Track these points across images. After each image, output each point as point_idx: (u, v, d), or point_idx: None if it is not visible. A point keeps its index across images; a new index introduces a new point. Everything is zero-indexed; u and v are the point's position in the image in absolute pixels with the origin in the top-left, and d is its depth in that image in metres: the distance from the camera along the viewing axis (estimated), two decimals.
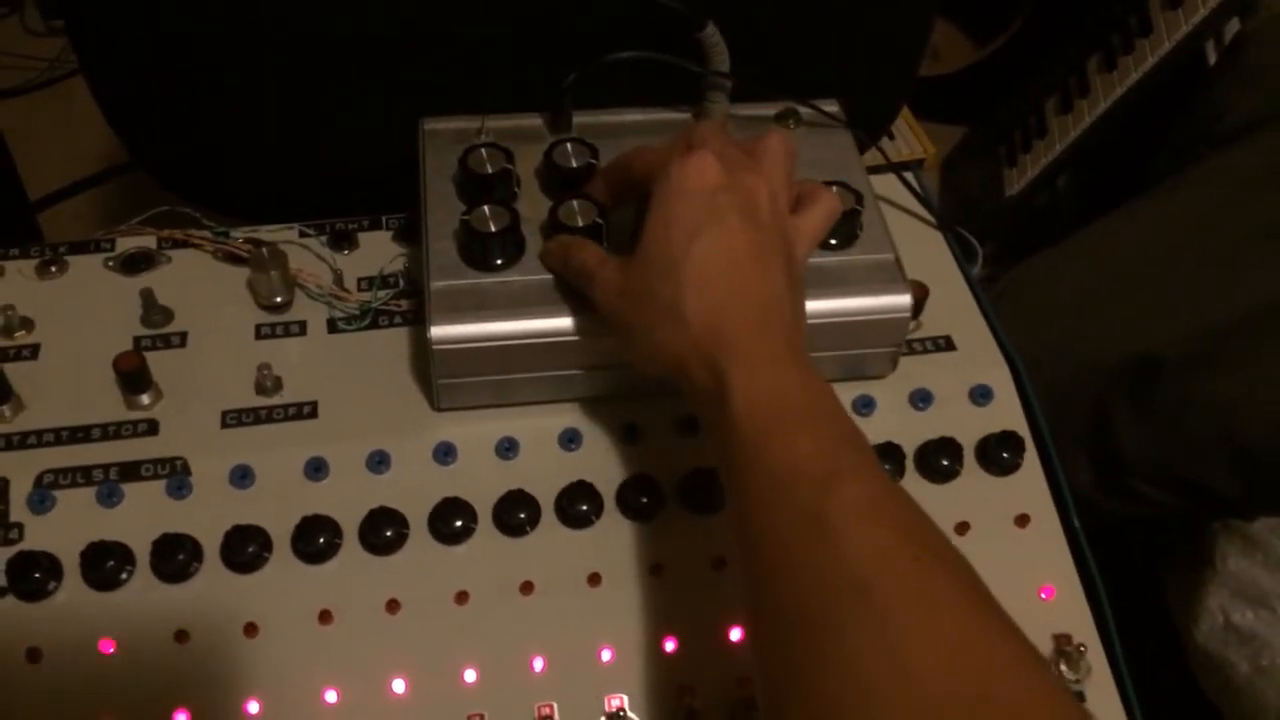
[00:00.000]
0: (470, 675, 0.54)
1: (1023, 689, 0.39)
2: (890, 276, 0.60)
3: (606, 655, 0.55)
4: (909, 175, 0.72)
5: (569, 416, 0.61)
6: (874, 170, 0.68)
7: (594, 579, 0.57)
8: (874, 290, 0.59)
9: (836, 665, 0.40)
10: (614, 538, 0.58)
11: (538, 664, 0.55)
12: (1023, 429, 0.62)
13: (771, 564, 0.45)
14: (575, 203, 0.58)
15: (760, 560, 0.45)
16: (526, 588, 0.56)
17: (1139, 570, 0.89)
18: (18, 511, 0.55)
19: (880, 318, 0.59)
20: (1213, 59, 1.25)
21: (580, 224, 0.58)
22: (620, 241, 0.56)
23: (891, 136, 1.55)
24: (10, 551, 0.54)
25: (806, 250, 0.55)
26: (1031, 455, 0.62)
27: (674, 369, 0.51)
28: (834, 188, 0.60)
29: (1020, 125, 1.51)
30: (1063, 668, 0.57)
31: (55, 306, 0.63)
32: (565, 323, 0.57)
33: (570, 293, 0.57)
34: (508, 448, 0.59)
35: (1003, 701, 0.38)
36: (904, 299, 0.59)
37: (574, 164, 0.61)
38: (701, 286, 0.50)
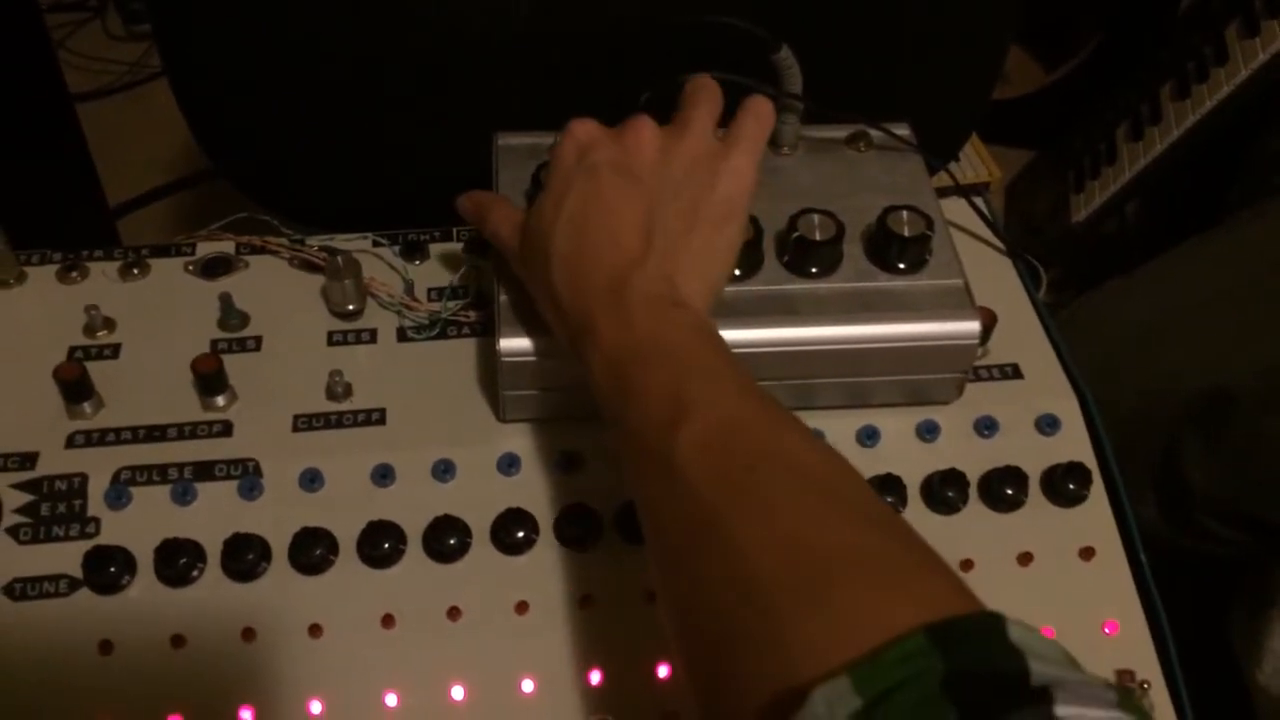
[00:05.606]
0: (528, 685, 0.55)
1: (866, 573, 0.38)
2: (959, 302, 0.59)
3: (663, 671, 0.55)
4: (978, 200, 0.72)
5: None
6: (941, 193, 0.68)
7: (651, 598, 0.57)
8: (942, 316, 0.59)
9: (702, 602, 0.41)
10: None
11: (594, 677, 0.55)
12: (1090, 460, 0.62)
13: (643, 514, 0.47)
14: None
15: (640, 513, 0.47)
16: (585, 601, 0.57)
17: (1202, 607, 0.87)
18: (95, 506, 0.57)
19: (948, 344, 0.59)
20: None
21: None
22: None
23: (957, 159, 1.54)
24: (87, 545, 0.55)
25: (740, 178, 0.53)
26: (1098, 487, 0.61)
27: (563, 340, 0.53)
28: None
29: (1089, 151, 1.49)
30: None
31: (136, 307, 0.65)
32: None
33: None
34: (571, 461, 0.60)
35: (845, 590, 0.37)
36: (973, 325, 0.59)
37: None
38: (564, 259, 0.51)
